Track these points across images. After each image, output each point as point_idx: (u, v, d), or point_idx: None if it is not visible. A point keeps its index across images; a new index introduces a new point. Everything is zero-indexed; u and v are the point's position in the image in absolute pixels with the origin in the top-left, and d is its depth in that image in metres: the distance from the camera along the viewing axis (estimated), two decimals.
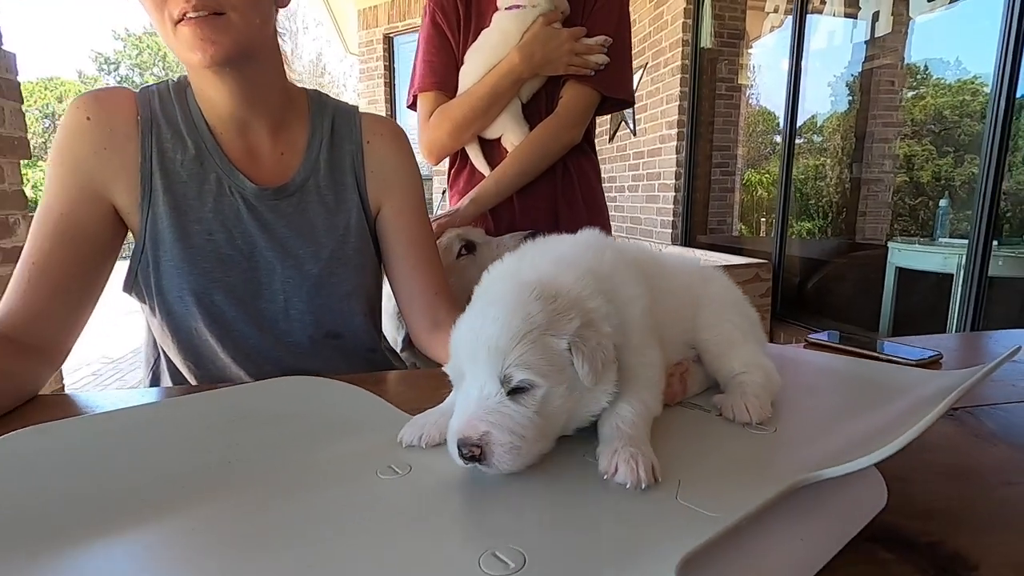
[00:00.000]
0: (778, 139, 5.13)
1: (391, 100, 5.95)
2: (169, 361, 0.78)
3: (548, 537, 0.26)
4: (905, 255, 2.70)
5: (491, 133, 1.13)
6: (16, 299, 0.63)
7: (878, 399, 0.43)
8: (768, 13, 4.23)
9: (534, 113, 1.12)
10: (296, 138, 0.77)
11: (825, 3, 3.42)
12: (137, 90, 0.72)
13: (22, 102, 1.82)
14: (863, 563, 0.32)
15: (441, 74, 1.14)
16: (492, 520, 0.28)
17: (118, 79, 24.40)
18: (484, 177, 1.14)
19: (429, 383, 0.68)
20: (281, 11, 0.74)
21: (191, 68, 0.68)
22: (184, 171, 0.70)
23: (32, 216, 1.74)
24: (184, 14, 0.60)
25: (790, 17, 4.55)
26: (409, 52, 5.81)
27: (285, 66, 0.76)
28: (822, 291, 3.14)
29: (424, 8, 1.16)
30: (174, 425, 0.36)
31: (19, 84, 1.80)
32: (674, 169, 4.08)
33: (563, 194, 1.15)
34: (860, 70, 3.55)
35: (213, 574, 0.25)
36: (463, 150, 1.18)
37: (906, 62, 3.38)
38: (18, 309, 0.63)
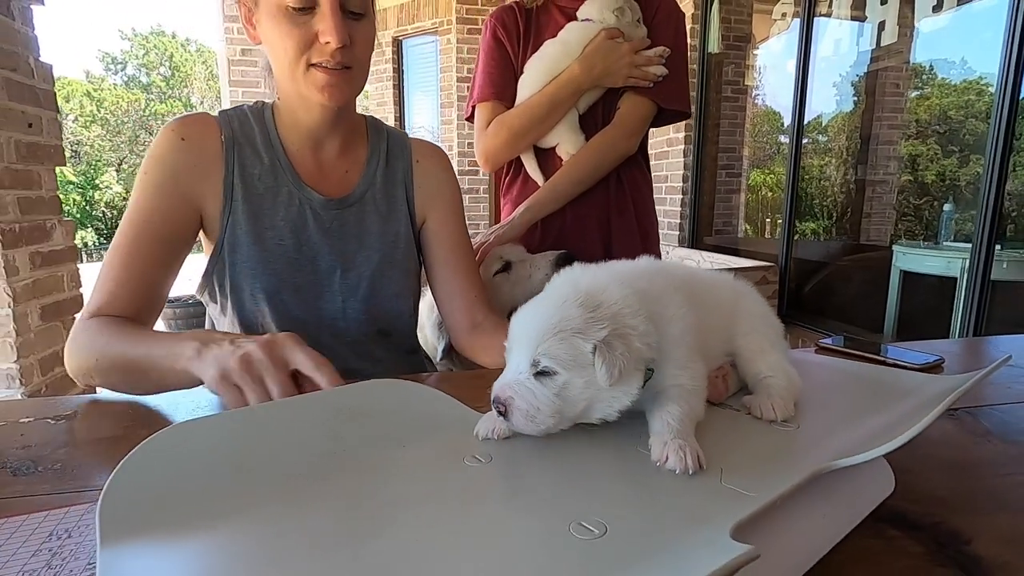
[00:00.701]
0: (783, 139, 5.19)
1: (400, 102, 6.01)
2: None
3: (623, 511, 0.33)
4: (909, 258, 2.75)
5: (547, 142, 1.17)
6: (115, 286, 0.72)
7: (886, 400, 0.49)
8: (775, 20, 4.28)
9: (590, 124, 1.15)
10: (358, 156, 0.88)
11: (832, 7, 3.46)
12: (215, 113, 0.82)
13: (58, 111, 1.89)
14: (873, 539, 0.39)
15: (500, 85, 1.18)
16: (573, 498, 0.35)
17: (124, 79, 24.52)
18: (537, 186, 1.18)
19: (472, 383, 0.74)
20: None
21: (302, 100, 0.78)
22: (261, 184, 0.79)
23: (66, 220, 1.80)
24: (322, 63, 0.72)
25: (797, 19, 4.60)
26: (417, 56, 5.87)
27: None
28: (827, 293, 3.19)
29: (485, 23, 1.22)
30: (289, 421, 0.43)
31: (54, 94, 1.87)
32: (681, 172, 4.13)
33: (615, 205, 1.18)
34: (865, 71, 3.59)
35: (341, 545, 0.31)
36: (517, 159, 1.22)
37: (911, 63, 3.42)
38: (118, 294, 0.72)
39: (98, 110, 21.94)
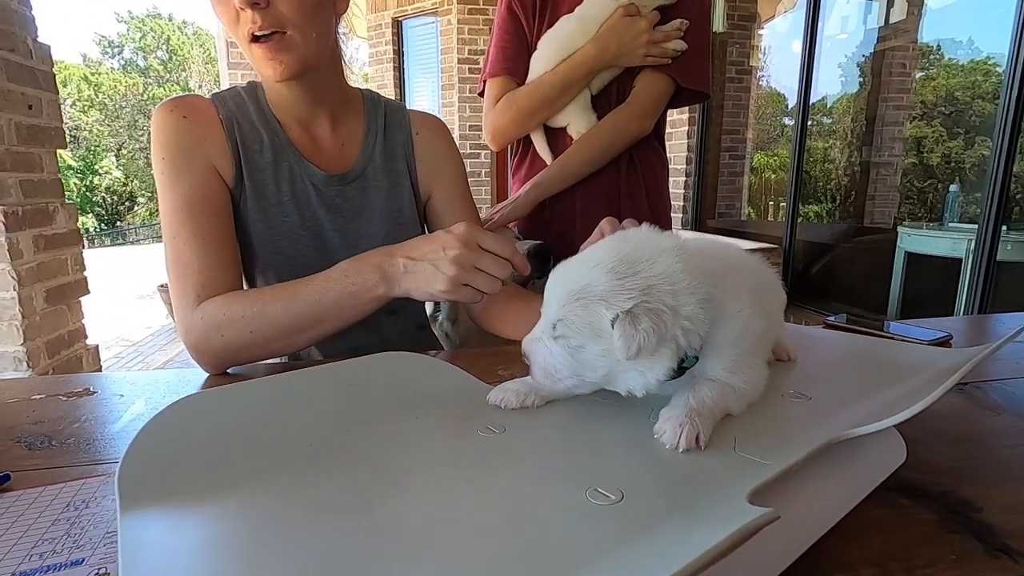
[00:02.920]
0: (788, 121, 5.15)
1: (400, 84, 5.94)
2: None
3: (639, 477, 0.33)
4: (914, 240, 2.74)
5: (557, 122, 1.14)
6: (203, 269, 0.71)
7: (896, 373, 0.49)
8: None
9: (604, 103, 1.11)
10: (353, 131, 0.85)
11: None
12: (206, 95, 0.80)
13: (57, 93, 1.87)
14: (885, 507, 0.39)
15: (512, 60, 1.14)
16: (587, 465, 0.35)
17: (122, 62, 24.27)
18: (545, 164, 1.15)
19: (480, 360, 0.74)
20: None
21: (264, 80, 0.78)
22: (262, 160, 0.78)
23: (68, 204, 1.80)
24: (252, 34, 0.68)
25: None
26: (417, 37, 5.79)
27: (345, 69, 0.84)
28: (832, 275, 3.19)
29: None
30: (302, 392, 0.43)
31: (54, 75, 1.85)
32: (685, 154, 4.09)
33: (626, 187, 1.15)
34: (872, 51, 3.54)
35: (354, 512, 0.31)
36: (527, 137, 1.19)
37: (919, 43, 3.37)
38: (212, 276, 0.71)
39: (96, 94, 21.77)
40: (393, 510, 0.31)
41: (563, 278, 0.44)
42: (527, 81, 1.14)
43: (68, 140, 1.84)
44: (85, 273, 1.98)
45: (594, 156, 1.10)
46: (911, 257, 2.72)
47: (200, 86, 22.65)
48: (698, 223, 4.17)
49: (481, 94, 1.23)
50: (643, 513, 0.29)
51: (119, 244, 19.72)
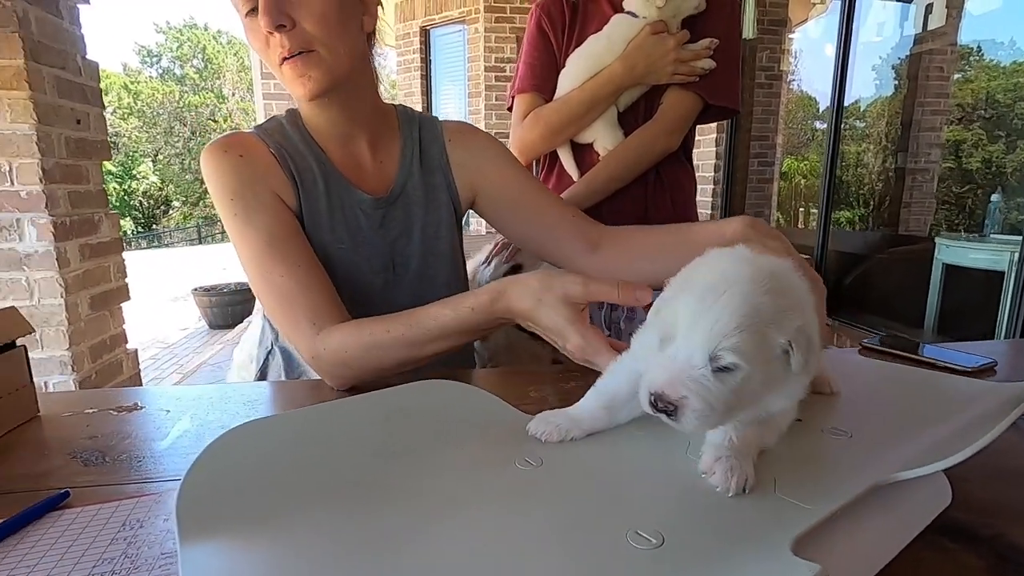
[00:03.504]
0: (819, 125, 5.05)
1: (427, 92, 6.02)
2: (285, 355, 0.88)
3: (679, 519, 0.33)
4: (953, 251, 2.65)
5: (584, 138, 1.15)
6: (311, 298, 0.71)
7: (941, 408, 0.48)
8: (814, 3, 4.14)
9: (631, 120, 1.12)
10: (391, 149, 0.86)
11: None
12: (248, 129, 0.81)
13: (103, 107, 1.95)
14: (931, 551, 0.38)
15: (540, 77, 1.16)
16: (628, 505, 0.35)
17: (159, 71, 25.11)
18: (572, 179, 1.16)
19: (515, 380, 0.75)
20: None
21: (297, 99, 0.78)
22: (316, 189, 0.79)
23: (112, 213, 1.87)
24: (282, 57, 0.70)
25: (837, 1, 4.42)
26: (445, 46, 5.86)
27: (378, 84, 0.85)
28: (865, 287, 3.10)
29: (531, 12, 1.19)
30: (346, 422, 0.44)
31: (100, 91, 1.93)
32: (713, 162, 4.04)
33: (653, 202, 1.15)
34: (908, 53, 3.45)
35: (392, 545, 0.32)
36: (553, 153, 1.21)
37: (957, 44, 3.27)
38: (319, 302, 0.71)
39: (135, 102, 22.57)
40: (431, 547, 0.31)
41: (714, 304, 0.39)
42: (555, 98, 1.15)
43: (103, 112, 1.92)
44: (126, 280, 2.05)
45: (621, 173, 1.11)
46: (949, 269, 2.63)
47: (233, 93, 23.28)
48: None
49: (510, 109, 1.25)
50: (684, 561, 0.29)
51: (155, 247, 20.37)
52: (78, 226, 1.78)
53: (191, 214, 25.20)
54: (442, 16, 5.64)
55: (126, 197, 23.05)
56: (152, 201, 24.81)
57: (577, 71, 1.10)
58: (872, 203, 3.89)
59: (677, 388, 0.38)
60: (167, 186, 24.32)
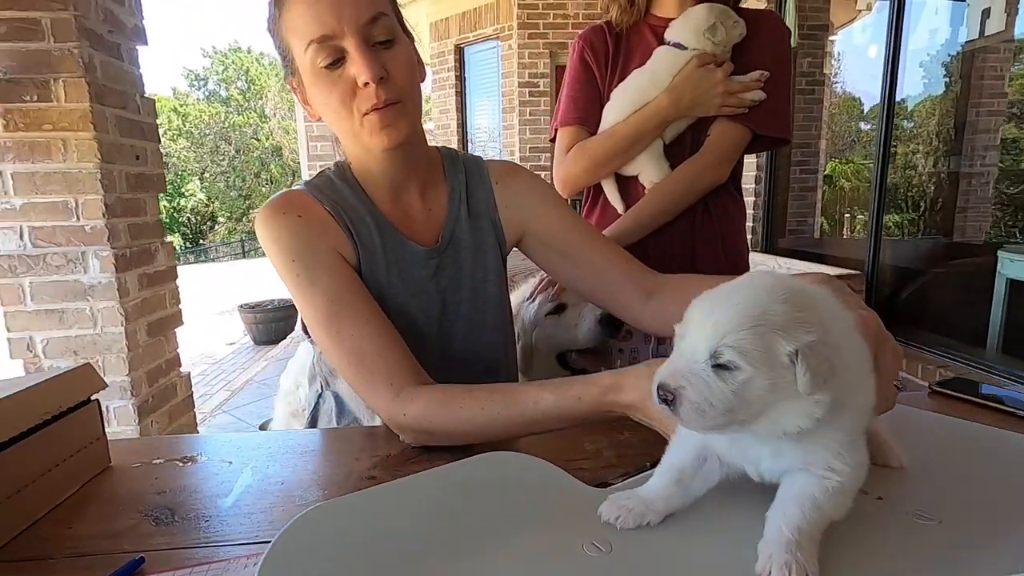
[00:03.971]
0: (863, 126, 4.88)
1: (462, 108, 6.10)
2: (337, 400, 0.89)
3: None
4: (1019, 266, 2.50)
5: (629, 171, 1.13)
6: (387, 356, 0.70)
7: None
8: (859, 7, 4.01)
9: (677, 152, 1.10)
10: (439, 195, 0.86)
11: None
12: (300, 186, 0.81)
13: (159, 141, 2.05)
14: None
15: (584, 110, 1.15)
16: None
17: (206, 93, 26.28)
18: (616, 212, 1.15)
19: (569, 430, 0.74)
20: None
21: (368, 150, 0.77)
22: (372, 243, 0.79)
23: (167, 242, 1.95)
24: (372, 107, 0.71)
25: (881, 1, 4.27)
26: (479, 62, 5.93)
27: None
28: (920, 301, 2.96)
29: (573, 45, 1.18)
30: (410, 500, 0.44)
31: (157, 126, 2.03)
32: (754, 173, 3.95)
33: (701, 234, 1.12)
34: (960, 51, 3.29)
35: None
36: (598, 184, 1.20)
37: (1014, 39, 3.09)
38: (397, 360, 0.70)
39: (183, 124, 23.66)
40: None
41: (726, 303, 0.40)
42: (599, 131, 1.14)
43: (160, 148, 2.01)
44: (179, 306, 2.14)
45: (667, 207, 1.08)
46: (1014, 285, 2.48)
47: (275, 113, 24.13)
48: (768, 243, 4.00)
49: (552, 140, 1.24)
50: None
51: (202, 261, 21.20)
52: (137, 256, 1.87)
53: (235, 229, 26.16)
54: (476, 34, 5.71)
55: (175, 214, 24.13)
56: (199, 217, 25.90)
57: (622, 105, 1.09)
58: (924, 208, 3.72)
59: (676, 379, 0.40)
60: (213, 203, 25.34)
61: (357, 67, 0.68)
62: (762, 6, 3.86)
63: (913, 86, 3.63)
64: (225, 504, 0.59)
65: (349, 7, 0.69)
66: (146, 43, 1.97)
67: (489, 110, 5.99)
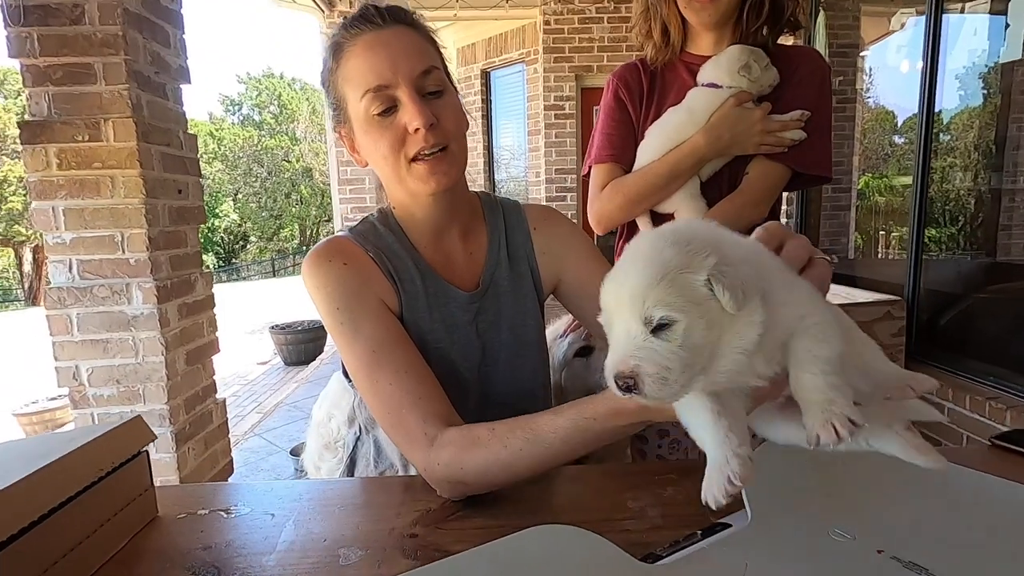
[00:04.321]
0: (897, 139, 4.78)
1: (488, 131, 6.18)
2: (376, 445, 0.90)
3: None
4: None
5: (665, 208, 1.12)
6: (423, 404, 0.70)
7: None
8: (892, 24, 3.96)
9: (714, 189, 1.08)
10: (479, 239, 0.87)
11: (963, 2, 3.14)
12: (344, 233, 0.83)
13: (200, 175, 2.12)
14: None
15: (618, 147, 1.15)
16: None
17: (240, 118, 27.22)
18: None
19: (610, 485, 0.73)
20: None
21: (413, 195, 0.79)
22: (414, 289, 0.80)
23: (205, 272, 2.00)
24: (420, 153, 0.74)
25: (920, 17, 4.20)
26: (505, 86, 6.01)
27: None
28: (964, 326, 2.84)
29: (608, 81, 1.19)
30: None
31: (198, 160, 2.10)
32: (785, 195, 3.88)
33: None
34: (999, 62, 3.21)
35: None
36: (632, 221, 1.19)
37: None
38: (432, 408, 0.71)
39: (219, 147, 24.52)
40: None
41: (628, 276, 0.43)
42: (634, 169, 1.13)
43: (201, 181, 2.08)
44: (216, 334, 2.19)
45: None
46: None
47: (305, 136, 24.83)
48: None
49: (586, 177, 1.24)
50: None
51: (233, 280, 21.77)
52: (177, 287, 1.93)
53: (266, 248, 26.85)
54: (502, 58, 5.81)
55: (209, 234, 24.91)
56: (232, 237, 26.67)
57: (657, 144, 1.08)
58: (963, 223, 3.59)
59: (627, 362, 0.41)
60: (245, 223, 26.09)
61: (409, 114, 0.72)
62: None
63: (950, 99, 3.55)
64: (269, 562, 0.59)
65: (404, 60, 0.73)
66: (189, 82, 2.05)
67: (514, 131, 6.06)
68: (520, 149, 5.95)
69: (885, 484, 0.61)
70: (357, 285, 0.76)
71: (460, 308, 0.82)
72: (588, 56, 5.05)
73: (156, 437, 0.68)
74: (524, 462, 0.65)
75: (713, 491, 0.44)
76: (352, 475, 0.96)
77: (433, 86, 0.75)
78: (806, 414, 0.42)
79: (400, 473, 0.87)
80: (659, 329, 0.41)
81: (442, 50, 0.81)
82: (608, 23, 4.94)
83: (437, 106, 0.75)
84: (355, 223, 0.85)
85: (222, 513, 0.69)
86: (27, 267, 20.14)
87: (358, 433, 0.94)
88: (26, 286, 20.28)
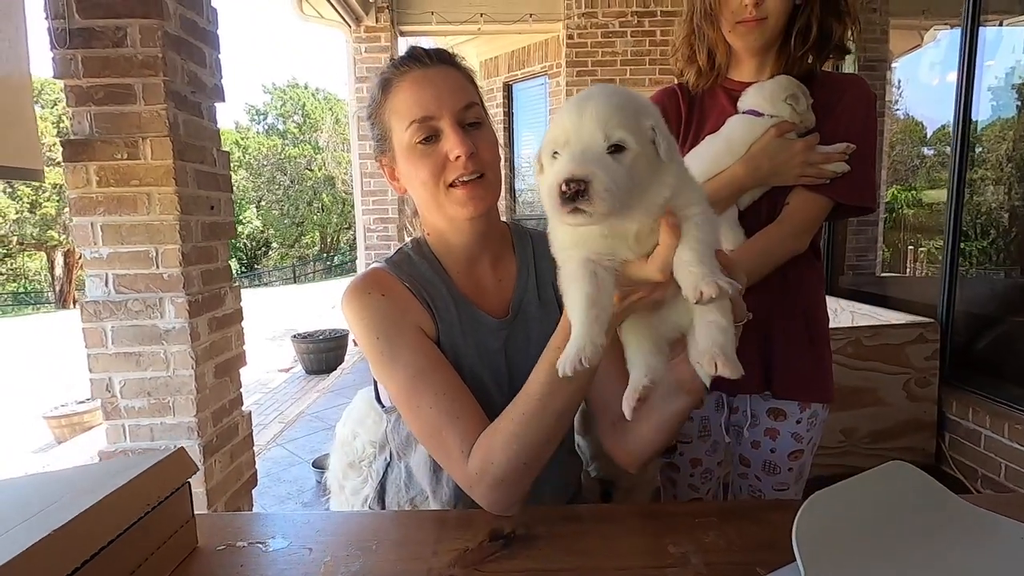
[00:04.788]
0: (926, 151, 4.69)
1: (510, 144, 6.21)
2: (407, 471, 0.90)
3: None
4: None
5: None
6: (460, 425, 0.75)
7: None
8: (924, 35, 3.89)
9: (752, 219, 1.05)
10: (509, 266, 0.90)
11: (999, 14, 3.07)
12: (381, 264, 0.86)
13: (231, 191, 2.16)
14: None
15: None
16: None
17: (265, 127, 27.76)
18: None
19: (649, 528, 0.71)
20: None
21: (450, 220, 0.83)
22: (449, 316, 0.83)
23: (234, 286, 2.03)
24: (459, 179, 0.78)
25: (945, 31, 4.15)
26: (527, 99, 6.04)
27: None
28: (1002, 349, 2.75)
29: None
30: None
31: (230, 177, 2.14)
32: None
33: (780, 309, 1.06)
34: None
35: None
36: None
37: None
38: (467, 426, 0.75)
39: (244, 155, 25.04)
40: None
41: (593, 103, 0.49)
42: None
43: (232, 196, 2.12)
44: (244, 347, 2.21)
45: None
46: None
47: (328, 145, 25.22)
48: (830, 286, 3.82)
49: None
50: None
51: (255, 286, 22.14)
52: (208, 302, 1.96)
53: (288, 254, 27.26)
54: (524, 71, 5.84)
55: (233, 240, 25.37)
56: (255, 243, 27.15)
57: (695, 172, 1.05)
58: (994, 237, 3.49)
59: (585, 167, 0.45)
60: (268, 230, 26.54)
61: (451, 143, 0.77)
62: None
63: (983, 111, 3.47)
64: None
65: (448, 95, 0.78)
66: (224, 100, 2.10)
67: (535, 142, 6.09)
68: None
69: (936, 541, 0.59)
70: (395, 315, 0.79)
71: (490, 334, 0.85)
72: (611, 70, 5.04)
73: (199, 469, 0.69)
74: (532, 427, 0.70)
75: (566, 366, 0.54)
76: (382, 501, 0.96)
77: (473, 118, 0.80)
78: (687, 279, 0.50)
79: (430, 499, 0.87)
80: (614, 151, 0.47)
81: (480, 89, 0.86)
82: (632, 37, 4.94)
83: (476, 137, 0.80)
84: (391, 254, 0.88)
85: (259, 546, 0.69)
86: (58, 271, 20.74)
87: (388, 459, 0.94)
88: (57, 289, 20.88)
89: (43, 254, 20.90)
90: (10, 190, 17.61)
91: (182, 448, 0.68)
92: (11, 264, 22.48)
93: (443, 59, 0.82)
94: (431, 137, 0.78)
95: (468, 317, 0.84)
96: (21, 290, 23.07)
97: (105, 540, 0.54)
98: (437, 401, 0.75)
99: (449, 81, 0.80)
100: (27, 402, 5.77)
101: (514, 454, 0.70)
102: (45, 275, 22.13)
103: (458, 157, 0.77)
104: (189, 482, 0.69)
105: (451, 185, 0.78)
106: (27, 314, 18.10)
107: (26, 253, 21.32)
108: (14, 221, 18.13)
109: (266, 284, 22.85)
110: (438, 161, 0.78)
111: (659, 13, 4.86)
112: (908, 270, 5.01)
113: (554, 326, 0.87)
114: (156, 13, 1.73)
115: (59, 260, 20.56)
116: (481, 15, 5.15)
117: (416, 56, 0.81)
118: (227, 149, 2.19)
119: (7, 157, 1.64)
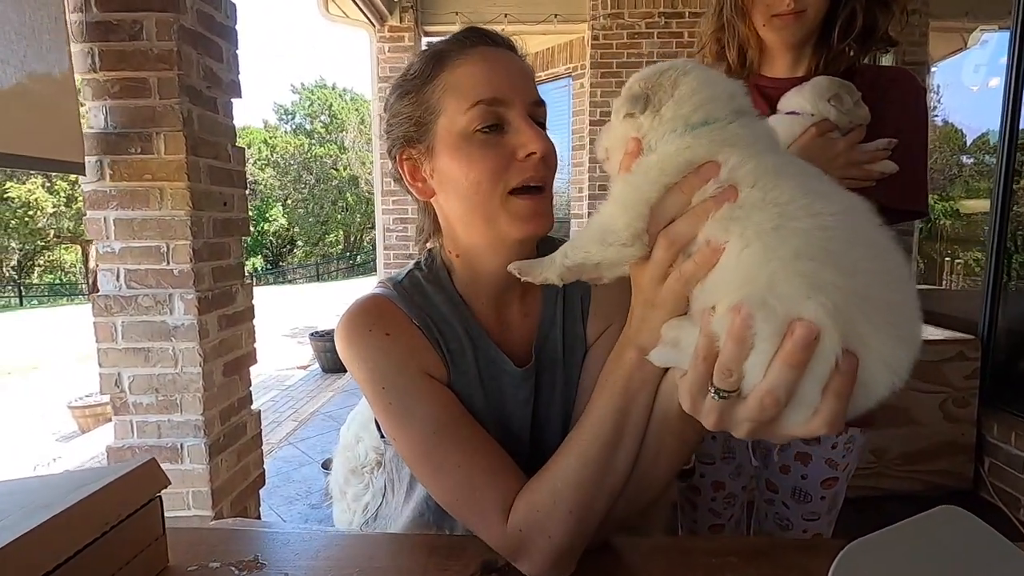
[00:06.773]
0: (965, 159, 4.50)
1: None
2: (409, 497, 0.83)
3: None
4: None
5: None
6: (491, 479, 0.63)
7: None
8: (964, 33, 3.73)
9: None
10: (536, 297, 0.77)
11: None
12: (387, 290, 0.72)
13: (246, 188, 2.14)
14: None
15: None
16: None
17: (293, 127, 28.22)
18: None
19: (696, 558, 0.64)
20: None
21: (497, 241, 0.68)
22: (464, 361, 0.71)
23: (247, 283, 2.00)
24: (523, 184, 0.64)
25: (992, 33, 3.97)
26: (551, 100, 5.96)
27: None
28: None
29: None
30: None
31: (244, 173, 2.13)
32: None
33: None
34: None
35: None
36: None
37: None
38: (501, 481, 0.63)
39: (271, 154, 25.50)
40: None
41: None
42: None
43: (247, 193, 2.10)
44: (255, 344, 2.19)
45: None
46: None
47: (353, 145, 25.51)
48: None
49: None
50: None
51: (280, 283, 22.50)
52: (218, 298, 1.94)
53: (312, 252, 27.67)
54: (548, 72, 5.78)
55: (259, 237, 25.86)
56: (280, 240, 27.62)
57: None
58: None
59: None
60: (293, 227, 26.98)
61: (526, 136, 0.63)
62: None
63: None
64: None
65: (522, 80, 0.66)
66: (240, 96, 2.08)
67: (558, 145, 5.92)
68: (563, 163, 5.89)
69: None
70: (403, 359, 0.66)
71: (514, 384, 0.73)
72: (637, 72, 4.95)
73: (170, 483, 0.64)
74: (590, 469, 0.59)
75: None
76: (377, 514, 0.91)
77: (541, 118, 0.68)
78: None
79: None
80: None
81: None
82: (658, 39, 4.84)
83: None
84: (400, 276, 0.75)
85: (233, 568, 0.64)
86: (92, 263, 21.38)
87: (383, 489, 0.88)
88: (90, 281, 21.53)
89: (78, 247, 21.57)
90: (48, 184, 18.21)
91: (153, 459, 0.63)
92: (48, 256, 23.28)
93: (511, 46, 0.69)
94: (495, 125, 0.64)
95: (487, 360, 0.72)
96: (57, 282, 23.87)
97: (52, 564, 0.49)
98: (467, 457, 0.63)
99: (521, 68, 0.67)
100: (57, 390, 5.92)
101: (568, 506, 0.58)
102: (80, 268, 22.86)
103: (531, 154, 0.63)
104: (160, 496, 0.64)
105: (511, 192, 0.64)
106: (61, 304, 18.71)
107: (62, 246, 22.04)
108: (51, 215, 18.72)
109: (290, 281, 23.19)
110: (501, 157, 0.63)
111: (687, 14, 4.75)
112: (944, 283, 4.81)
113: (575, 372, 0.76)
114: (172, 7, 1.72)
115: (92, 253, 21.20)
116: (505, 15, 5.10)
117: (482, 32, 0.67)
118: (255, 147, 2.18)
119: (48, 149, 1.63)
